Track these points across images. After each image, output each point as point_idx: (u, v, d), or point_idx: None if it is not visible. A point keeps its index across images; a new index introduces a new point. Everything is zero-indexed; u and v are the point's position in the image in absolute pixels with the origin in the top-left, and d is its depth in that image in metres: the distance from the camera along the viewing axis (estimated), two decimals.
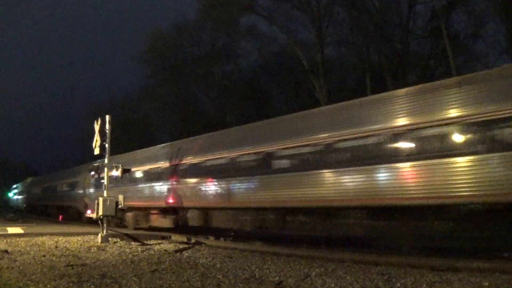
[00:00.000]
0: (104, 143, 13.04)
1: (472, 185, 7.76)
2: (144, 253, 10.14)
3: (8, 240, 11.42)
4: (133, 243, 12.18)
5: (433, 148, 8.41)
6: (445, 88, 8.57)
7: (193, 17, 34.94)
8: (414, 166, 8.60)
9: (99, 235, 12.02)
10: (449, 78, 10.32)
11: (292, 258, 9.06)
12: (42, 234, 12.83)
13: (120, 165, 13.77)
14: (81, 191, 23.34)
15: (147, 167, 17.36)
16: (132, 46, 58.30)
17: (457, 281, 6.26)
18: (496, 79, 8.02)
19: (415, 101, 8.96)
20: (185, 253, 10.15)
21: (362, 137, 9.50)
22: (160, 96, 37.94)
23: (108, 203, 12.28)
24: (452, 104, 8.24)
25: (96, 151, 13.22)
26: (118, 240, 12.42)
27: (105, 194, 12.75)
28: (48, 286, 6.15)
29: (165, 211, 15.92)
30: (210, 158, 13.95)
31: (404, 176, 8.79)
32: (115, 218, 16.60)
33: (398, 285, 6.27)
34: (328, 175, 10.24)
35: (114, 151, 15.62)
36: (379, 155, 9.12)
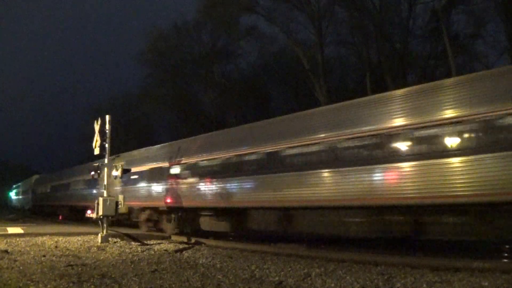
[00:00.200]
0: (104, 143, 13.04)
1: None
2: (144, 253, 10.14)
3: (8, 240, 11.41)
4: (133, 243, 12.18)
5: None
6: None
7: (193, 17, 34.96)
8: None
9: (99, 235, 12.02)
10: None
11: (292, 258, 9.06)
12: (42, 234, 12.83)
13: (120, 165, 13.74)
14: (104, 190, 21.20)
15: (193, 159, 14.33)
16: (132, 46, 58.23)
17: (457, 281, 6.26)
18: None
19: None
20: (185, 253, 10.15)
21: None
22: (160, 96, 37.92)
23: (108, 203, 12.27)
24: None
25: (96, 151, 13.22)
26: (118, 240, 12.42)
27: (105, 194, 12.74)
28: (48, 286, 6.15)
29: (220, 212, 13.34)
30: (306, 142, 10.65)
31: None
32: (149, 222, 15.96)
33: (398, 285, 6.27)
34: None
35: (114, 151, 15.64)
36: None
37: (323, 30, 27.43)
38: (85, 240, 12.23)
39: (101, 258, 9.07)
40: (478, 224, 7.98)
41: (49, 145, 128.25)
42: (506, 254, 8.07)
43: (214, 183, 13.22)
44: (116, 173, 14.48)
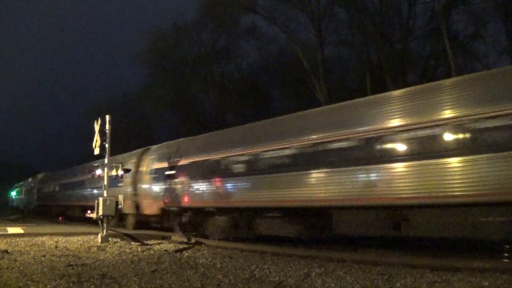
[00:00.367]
0: (104, 143, 13.04)
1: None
2: (144, 253, 10.14)
3: (8, 240, 11.41)
4: (133, 243, 12.18)
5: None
6: None
7: (193, 17, 34.98)
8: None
9: (99, 235, 12.02)
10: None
11: (292, 258, 9.06)
12: (42, 234, 12.83)
13: (120, 165, 13.73)
14: (130, 188, 17.58)
15: (256, 149, 11.72)
16: (132, 46, 58.27)
17: (457, 281, 6.26)
18: None
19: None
20: (185, 253, 10.15)
21: None
22: (160, 96, 37.94)
23: (108, 203, 12.27)
24: None
25: (96, 151, 13.21)
26: (118, 240, 12.42)
27: (105, 194, 12.74)
28: (48, 286, 6.15)
29: (291, 213, 11.03)
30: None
31: None
32: (188, 226, 14.11)
33: (398, 285, 6.27)
34: None
35: (114, 151, 15.56)
36: None
37: (323, 30, 27.46)
38: (85, 240, 12.24)
39: (101, 258, 9.07)
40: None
41: (49, 145, 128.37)
42: (506, 254, 8.07)
43: (288, 177, 10.71)
44: (150, 164, 14.21)
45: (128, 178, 16.75)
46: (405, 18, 25.69)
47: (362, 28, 26.15)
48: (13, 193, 52.13)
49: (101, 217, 12.22)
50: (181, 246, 11.52)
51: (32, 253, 9.40)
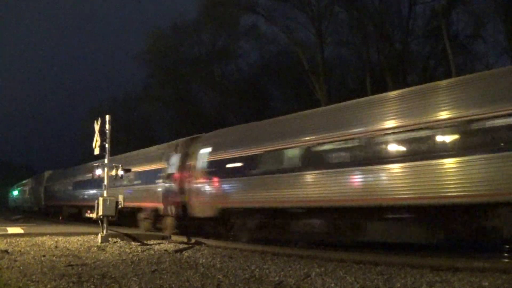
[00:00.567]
0: (104, 143, 13.04)
1: None
2: (144, 253, 10.14)
3: (8, 240, 11.41)
4: (133, 243, 12.17)
5: None
6: None
7: (193, 17, 35.01)
8: None
9: (99, 235, 12.01)
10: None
11: (292, 258, 9.06)
12: (42, 234, 12.82)
13: (120, 166, 13.67)
14: (171, 186, 14.92)
15: (371, 131, 9.38)
16: (132, 46, 58.51)
17: (457, 281, 6.26)
18: None
19: None
20: (185, 253, 10.14)
21: None
22: (160, 96, 38.01)
23: (108, 203, 12.27)
24: None
25: (96, 151, 13.21)
26: (118, 240, 12.40)
27: (105, 194, 12.74)
28: (48, 286, 6.15)
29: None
30: None
31: None
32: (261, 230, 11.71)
33: (398, 285, 6.27)
34: None
35: (114, 151, 15.43)
36: None
37: (323, 30, 27.50)
38: (85, 240, 12.23)
39: (101, 258, 9.07)
40: None
41: (49, 145, 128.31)
42: (506, 254, 8.07)
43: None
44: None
45: (167, 174, 14.81)
46: (405, 18, 25.76)
47: (362, 28, 26.16)
48: (15, 193, 49.94)
49: (101, 217, 12.21)
50: (181, 246, 11.52)
51: (32, 253, 9.40)
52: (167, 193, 14.89)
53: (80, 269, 7.51)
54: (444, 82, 9.53)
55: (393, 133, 9.07)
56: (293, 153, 11.00)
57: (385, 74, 24.62)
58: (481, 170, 7.73)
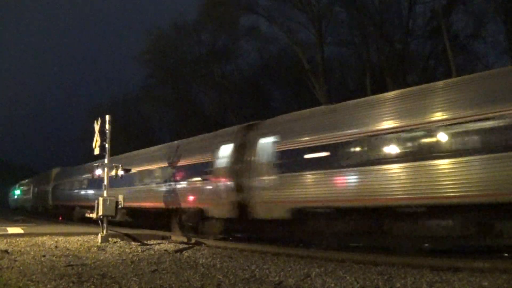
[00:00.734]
0: (104, 143, 13.04)
1: None
2: (144, 253, 10.14)
3: (8, 240, 11.40)
4: (133, 243, 12.17)
5: None
6: None
7: (193, 17, 35.05)
8: None
9: (99, 235, 12.01)
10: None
11: (292, 258, 9.06)
12: (42, 234, 12.82)
13: (119, 166, 13.66)
14: (224, 183, 12.69)
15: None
16: (132, 46, 58.49)
17: (457, 281, 6.26)
18: None
19: None
20: (185, 253, 10.14)
21: None
22: (160, 96, 38.02)
23: (108, 203, 12.26)
24: None
25: (96, 151, 13.21)
26: (118, 240, 12.40)
27: (105, 194, 12.73)
28: (48, 286, 6.15)
29: None
30: None
31: None
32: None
33: (398, 285, 6.27)
34: None
35: (114, 151, 15.39)
36: None
37: (323, 30, 27.51)
38: (85, 240, 12.23)
39: (101, 258, 9.07)
40: None
41: (49, 145, 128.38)
42: (506, 254, 8.06)
43: None
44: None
45: (215, 169, 12.79)
46: (405, 18, 25.77)
47: (362, 28, 26.18)
48: (17, 192, 47.76)
49: (101, 217, 12.21)
50: (181, 246, 11.51)
51: (32, 253, 9.39)
52: (216, 191, 12.76)
53: (80, 269, 7.51)
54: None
55: None
56: (423, 135, 8.63)
57: (385, 74, 24.63)
58: None
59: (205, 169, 13.51)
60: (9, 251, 9.51)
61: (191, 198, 14.09)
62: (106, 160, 13.25)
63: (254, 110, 33.45)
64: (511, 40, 22.28)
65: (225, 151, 12.91)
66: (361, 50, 27.31)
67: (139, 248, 10.86)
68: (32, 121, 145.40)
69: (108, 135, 13.04)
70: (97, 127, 13.17)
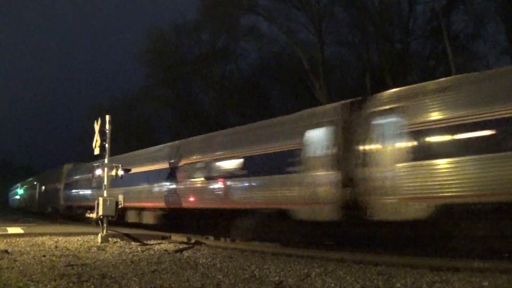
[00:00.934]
0: (104, 143, 13.04)
1: None
2: (144, 253, 10.13)
3: (8, 240, 11.41)
4: (133, 243, 12.17)
5: None
6: None
7: (193, 17, 35.07)
8: None
9: (99, 235, 12.01)
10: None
11: (292, 258, 9.06)
12: (42, 234, 12.82)
13: (119, 166, 13.66)
14: (324, 175, 9.95)
15: None
16: (132, 46, 58.54)
17: (457, 281, 6.25)
18: None
19: None
20: (185, 253, 10.14)
21: None
22: (160, 96, 38.02)
23: (108, 203, 12.26)
24: None
25: (96, 151, 13.21)
26: (118, 240, 12.41)
27: (105, 194, 12.73)
28: (48, 286, 6.15)
29: None
30: None
31: None
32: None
33: (398, 285, 6.26)
34: None
35: (114, 151, 15.40)
36: None
37: (323, 30, 27.53)
38: (85, 240, 12.23)
39: (101, 258, 9.06)
40: None
41: (49, 145, 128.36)
42: (506, 254, 8.05)
43: None
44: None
45: (308, 157, 10.17)
46: (405, 18, 25.77)
47: (362, 28, 26.19)
48: (19, 192, 45.17)
49: (101, 217, 12.22)
50: (181, 246, 11.51)
51: (32, 253, 9.39)
52: (310, 185, 10.13)
53: (80, 269, 7.50)
54: None
55: None
56: None
57: (385, 74, 24.63)
58: None
59: (291, 159, 10.70)
60: (9, 251, 9.51)
61: (265, 195, 11.30)
62: (106, 160, 13.25)
63: (254, 110, 33.46)
64: (511, 40, 22.29)
65: (320, 135, 10.19)
66: (361, 50, 27.34)
67: (139, 248, 10.86)
68: (32, 121, 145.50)
69: (108, 135, 13.04)
70: (97, 127, 13.17)
